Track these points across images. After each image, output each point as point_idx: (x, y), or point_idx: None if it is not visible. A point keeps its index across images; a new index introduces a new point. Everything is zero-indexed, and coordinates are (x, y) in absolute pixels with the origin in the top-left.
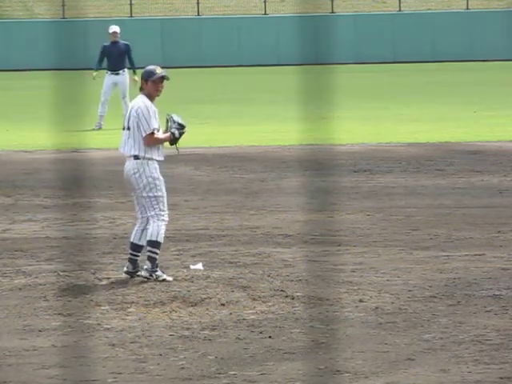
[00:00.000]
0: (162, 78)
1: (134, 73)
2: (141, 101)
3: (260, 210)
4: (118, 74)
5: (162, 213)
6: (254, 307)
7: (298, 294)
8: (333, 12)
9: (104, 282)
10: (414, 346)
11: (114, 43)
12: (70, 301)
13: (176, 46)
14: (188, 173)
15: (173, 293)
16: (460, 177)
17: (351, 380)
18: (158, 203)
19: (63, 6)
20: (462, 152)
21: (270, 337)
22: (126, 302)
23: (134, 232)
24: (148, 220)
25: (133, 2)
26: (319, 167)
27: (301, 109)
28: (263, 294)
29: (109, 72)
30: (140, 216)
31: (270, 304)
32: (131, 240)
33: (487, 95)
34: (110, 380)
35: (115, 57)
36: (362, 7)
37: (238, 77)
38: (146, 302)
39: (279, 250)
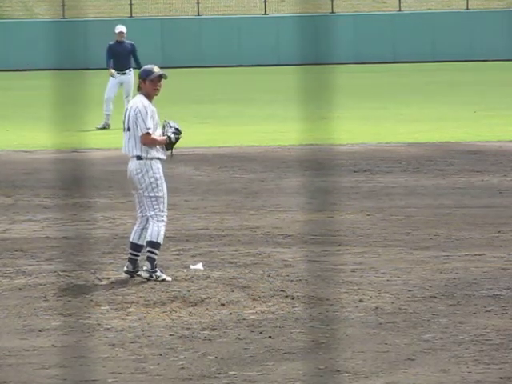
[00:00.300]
0: (160, 76)
1: None
2: (139, 101)
3: (260, 210)
4: (124, 73)
5: (162, 213)
6: (254, 307)
7: (298, 293)
8: (333, 12)
9: (104, 282)
10: (413, 345)
11: (120, 43)
12: (69, 301)
13: (176, 46)
14: (188, 173)
15: (173, 293)
16: (460, 177)
17: (351, 380)
18: (158, 204)
19: (63, 5)
20: (462, 152)
21: (270, 337)
22: (126, 302)
23: (133, 232)
24: (148, 220)
25: (133, 2)
26: (319, 167)
27: (301, 109)
28: (263, 293)
29: (115, 72)
30: (140, 215)
31: (269, 304)
32: (131, 240)
33: (487, 95)
34: (110, 380)
35: (122, 57)
36: (362, 7)
37: (238, 77)
38: (146, 302)
39: (279, 250)
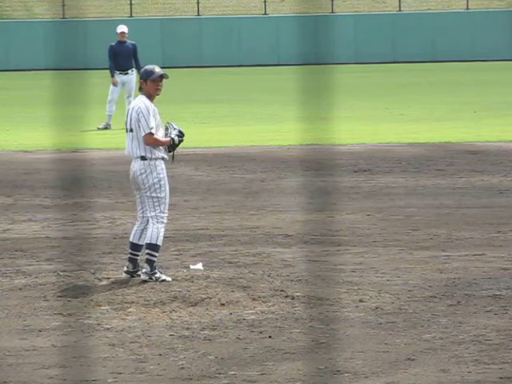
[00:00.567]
0: (161, 76)
1: None
2: (140, 101)
3: (260, 210)
4: (126, 73)
5: (163, 215)
6: (254, 307)
7: (297, 293)
8: (333, 12)
9: (104, 282)
10: (413, 345)
11: (122, 43)
12: (69, 301)
13: (176, 46)
14: (188, 173)
15: (173, 293)
16: (460, 177)
17: (351, 380)
18: (159, 205)
19: (63, 5)
20: (462, 152)
21: (270, 337)
22: (126, 302)
23: (133, 231)
24: (148, 220)
25: (133, 2)
26: (319, 167)
27: (301, 109)
28: (263, 294)
29: (117, 72)
30: (141, 215)
31: (269, 304)
32: (131, 240)
33: (487, 95)
34: (110, 380)
35: (124, 57)
36: (361, 7)
37: (238, 77)
38: (146, 302)
39: (279, 249)
